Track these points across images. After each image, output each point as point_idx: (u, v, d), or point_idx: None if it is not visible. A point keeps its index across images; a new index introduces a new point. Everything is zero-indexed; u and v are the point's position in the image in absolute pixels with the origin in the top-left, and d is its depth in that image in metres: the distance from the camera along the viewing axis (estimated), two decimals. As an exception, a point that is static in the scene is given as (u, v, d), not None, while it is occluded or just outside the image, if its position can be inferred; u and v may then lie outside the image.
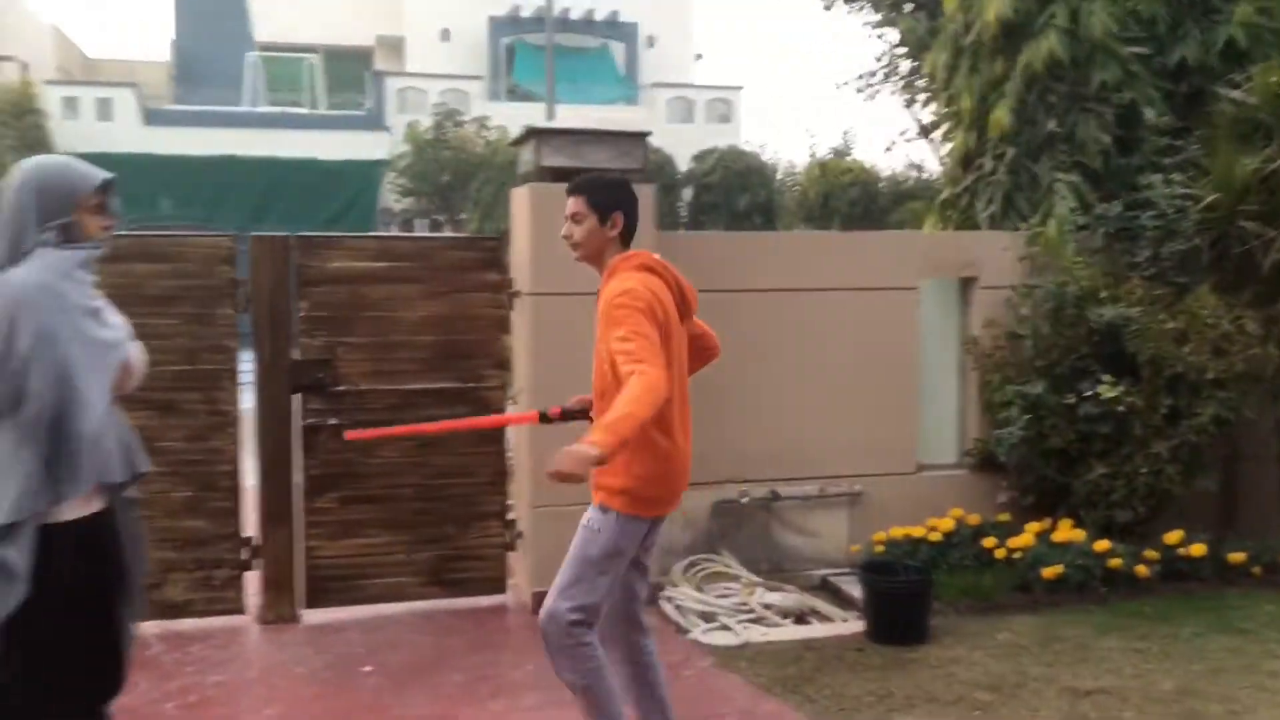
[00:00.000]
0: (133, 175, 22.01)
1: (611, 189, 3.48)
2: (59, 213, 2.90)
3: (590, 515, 3.35)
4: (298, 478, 5.39)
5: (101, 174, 3.02)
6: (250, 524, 5.35)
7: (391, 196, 22.82)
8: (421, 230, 22.11)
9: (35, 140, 21.11)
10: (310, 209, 21.26)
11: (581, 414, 3.63)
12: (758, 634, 5.09)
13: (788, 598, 5.44)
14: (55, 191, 2.92)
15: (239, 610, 5.32)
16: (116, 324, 3.08)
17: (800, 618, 5.35)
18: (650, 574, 3.66)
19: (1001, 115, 6.97)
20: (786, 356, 5.99)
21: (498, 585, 5.62)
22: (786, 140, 69.48)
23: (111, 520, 2.94)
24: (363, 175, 22.92)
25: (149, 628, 5.14)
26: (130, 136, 22.59)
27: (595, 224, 3.42)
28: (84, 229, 2.97)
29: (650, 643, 3.57)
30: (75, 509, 2.83)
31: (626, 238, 3.46)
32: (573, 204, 3.46)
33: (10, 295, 2.78)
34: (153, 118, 23.97)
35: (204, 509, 5.25)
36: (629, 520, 3.31)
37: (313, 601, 5.41)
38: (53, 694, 2.82)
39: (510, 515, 5.62)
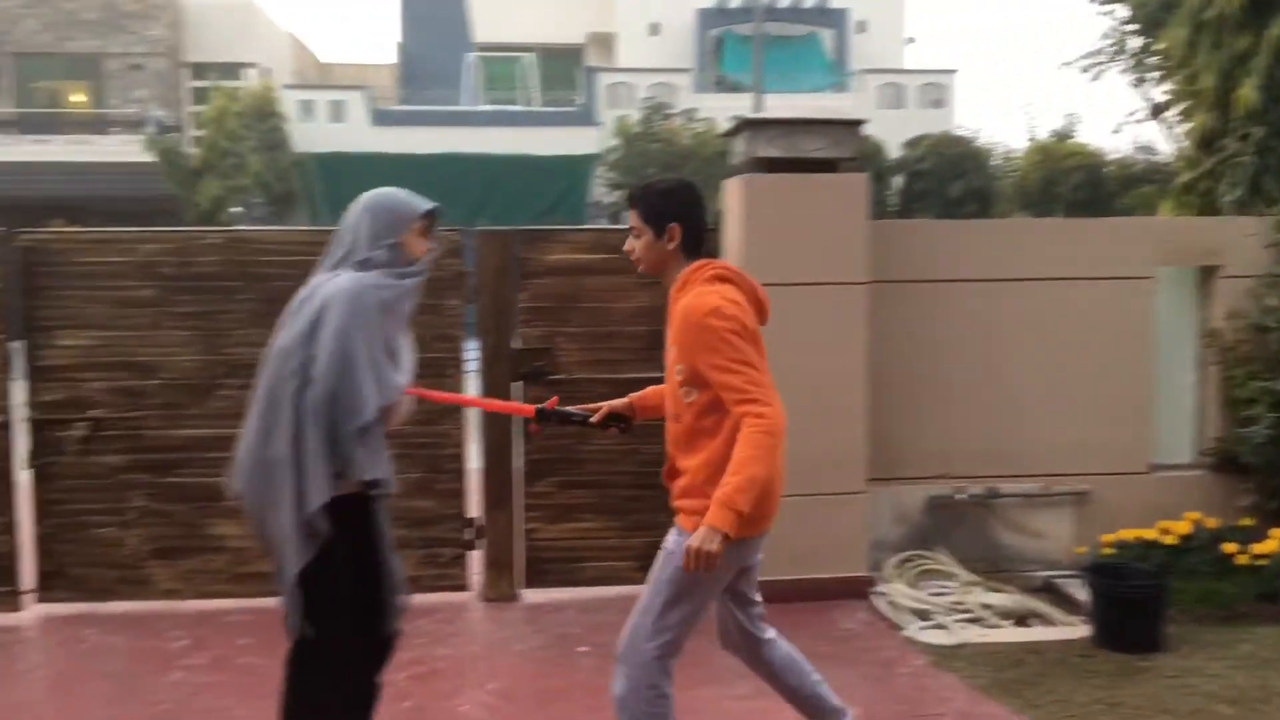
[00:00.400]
0: (361, 173, 23.24)
1: (665, 197, 3.24)
2: (388, 233, 3.26)
3: (673, 538, 3.20)
4: (518, 463, 5.59)
5: (427, 204, 3.36)
6: (474, 506, 5.58)
7: (601, 190, 23.27)
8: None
9: (275, 141, 22.63)
10: (524, 203, 21.95)
11: (581, 421, 3.57)
12: (975, 634, 4.95)
13: (1008, 598, 5.27)
14: (387, 215, 3.29)
15: (463, 587, 5.57)
16: (405, 365, 3.37)
17: (1021, 620, 5.16)
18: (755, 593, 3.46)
19: (1248, 93, 6.52)
20: (1005, 348, 5.78)
21: (709, 573, 5.67)
22: (1003, 125, 67.03)
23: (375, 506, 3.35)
24: (574, 170, 23.47)
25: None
26: (360, 136, 23.86)
27: (651, 238, 3.21)
28: (409, 249, 3.31)
29: (775, 650, 3.45)
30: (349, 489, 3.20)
31: (691, 246, 3.20)
32: (630, 217, 3.29)
33: (329, 292, 3.18)
34: (380, 118, 25.24)
35: (432, 490, 5.52)
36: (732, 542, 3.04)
37: (531, 581, 5.61)
38: (337, 638, 3.22)
39: (721, 505, 5.66)
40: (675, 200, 3.23)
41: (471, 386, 5.55)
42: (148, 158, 22.07)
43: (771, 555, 5.32)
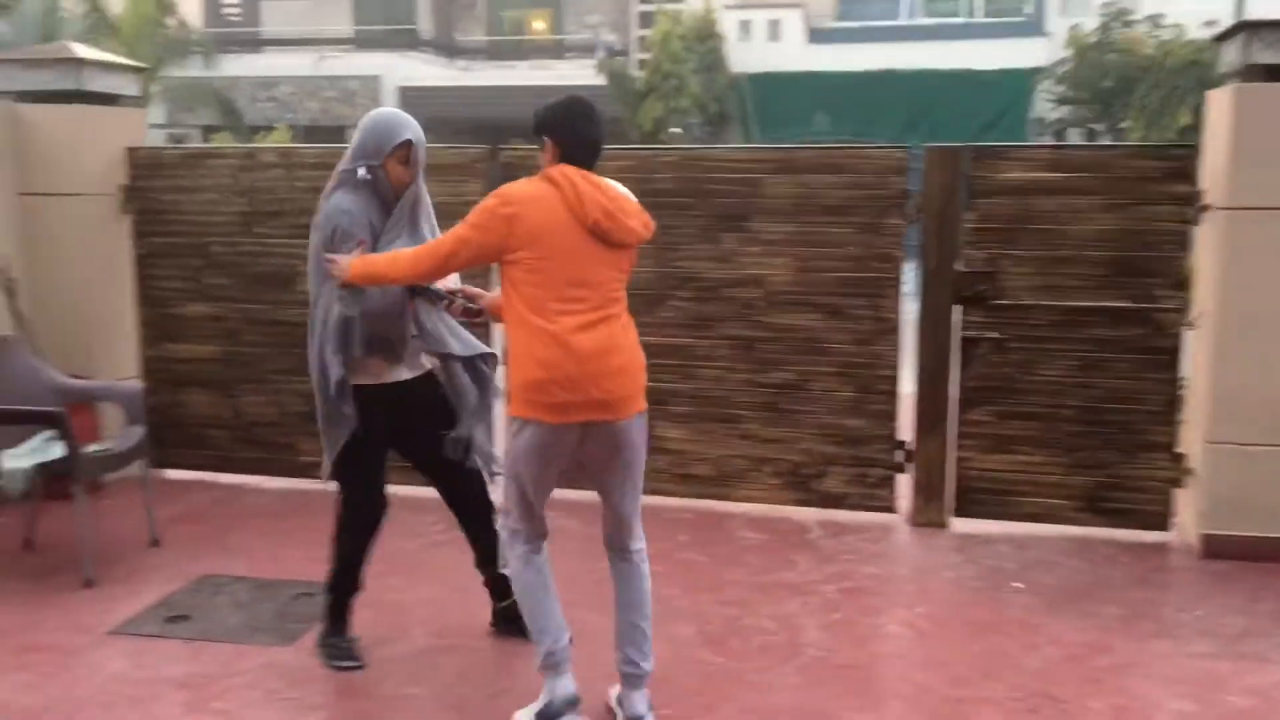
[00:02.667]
0: (793, 93, 23.46)
1: (541, 114, 3.43)
2: (372, 155, 3.74)
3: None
4: (953, 389, 5.44)
5: (407, 133, 3.74)
6: (905, 429, 5.52)
7: (1046, 106, 21.80)
8: (1076, 140, 20.91)
9: (712, 63, 23.23)
10: (960, 121, 21.02)
11: (435, 297, 3.75)
12: None
13: None
14: (373, 138, 3.76)
15: (890, 509, 5.56)
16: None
17: None
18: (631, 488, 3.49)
19: None
20: None
21: (1160, 521, 5.25)
22: None
23: (413, 388, 3.85)
24: (1015, 85, 22.12)
25: (809, 514, 5.59)
26: (795, 55, 23.92)
27: (541, 151, 3.42)
28: (391, 175, 3.76)
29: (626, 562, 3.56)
30: (374, 377, 3.78)
31: (570, 159, 3.35)
32: None
33: (328, 211, 3.75)
34: (815, 36, 25.13)
35: (864, 410, 5.52)
36: (523, 424, 3.31)
37: (961, 511, 5.48)
38: (368, 499, 3.95)
39: (1179, 449, 5.20)
40: (550, 116, 3.40)
41: (908, 308, 5.45)
42: (599, 81, 23.47)
43: (1247, 512, 4.88)
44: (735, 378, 5.67)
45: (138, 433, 5.08)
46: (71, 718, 3.51)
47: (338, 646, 3.96)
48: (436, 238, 3.67)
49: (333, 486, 3.99)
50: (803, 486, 5.65)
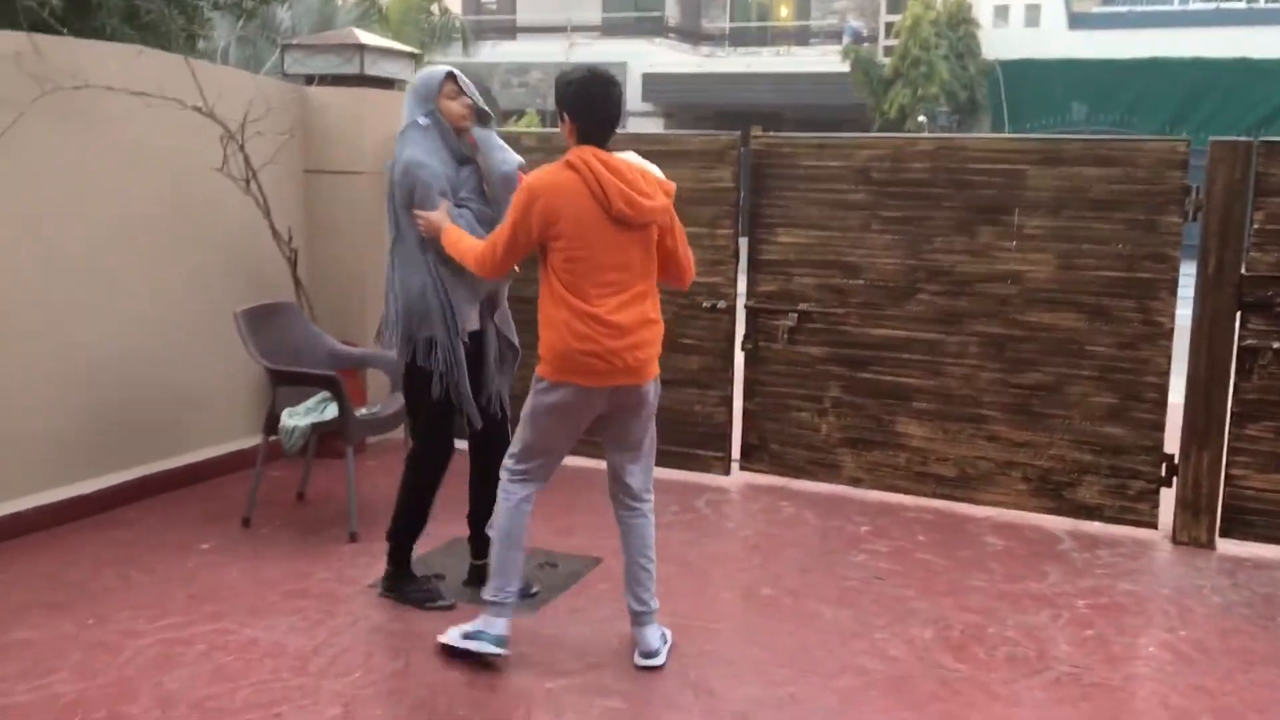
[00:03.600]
0: (1049, 81, 22.33)
1: (560, 89, 3.55)
2: (425, 101, 4.02)
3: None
4: (1228, 401, 5.06)
5: (446, 68, 4.09)
6: (1172, 441, 5.19)
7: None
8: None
9: (963, 49, 22.45)
10: (1234, 114, 19.53)
11: None
12: None
13: None
14: (421, 88, 4.05)
15: (1150, 525, 5.24)
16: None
17: None
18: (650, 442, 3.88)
19: None
20: None
21: None
22: None
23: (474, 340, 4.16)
24: (1300, 75, 20.33)
25: (1059, 523, 5.34)
26: (1054, 41, 22.79)
27: (560, 122, 3.58)
28: (447, 113, 4.02)
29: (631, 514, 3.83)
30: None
31: (587, 136, 3.51)
32: None
33: (406, 165, 3.98)
34: (1076, 21, 23.87)
35: (1126, 418, 5.22)
36: (554, 385, 3.62)
37: (1229, 531, 5.11)
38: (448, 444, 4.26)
39: None
40: (567, 90, 3.53)
41: (1184, 311, 5.10)
42: (842, 68, 23.10)
43: None
44: (985, 376, 5.47)
45: (400, 399, 5.38)
46: (336, 661, 3.76)
47: (423, 590, 4.27)
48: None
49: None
50: (1054, 494, 5.40)
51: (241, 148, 5.70)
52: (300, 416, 5.08)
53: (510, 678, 3.68)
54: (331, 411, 5.09)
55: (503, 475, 3.83)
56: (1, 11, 7.63)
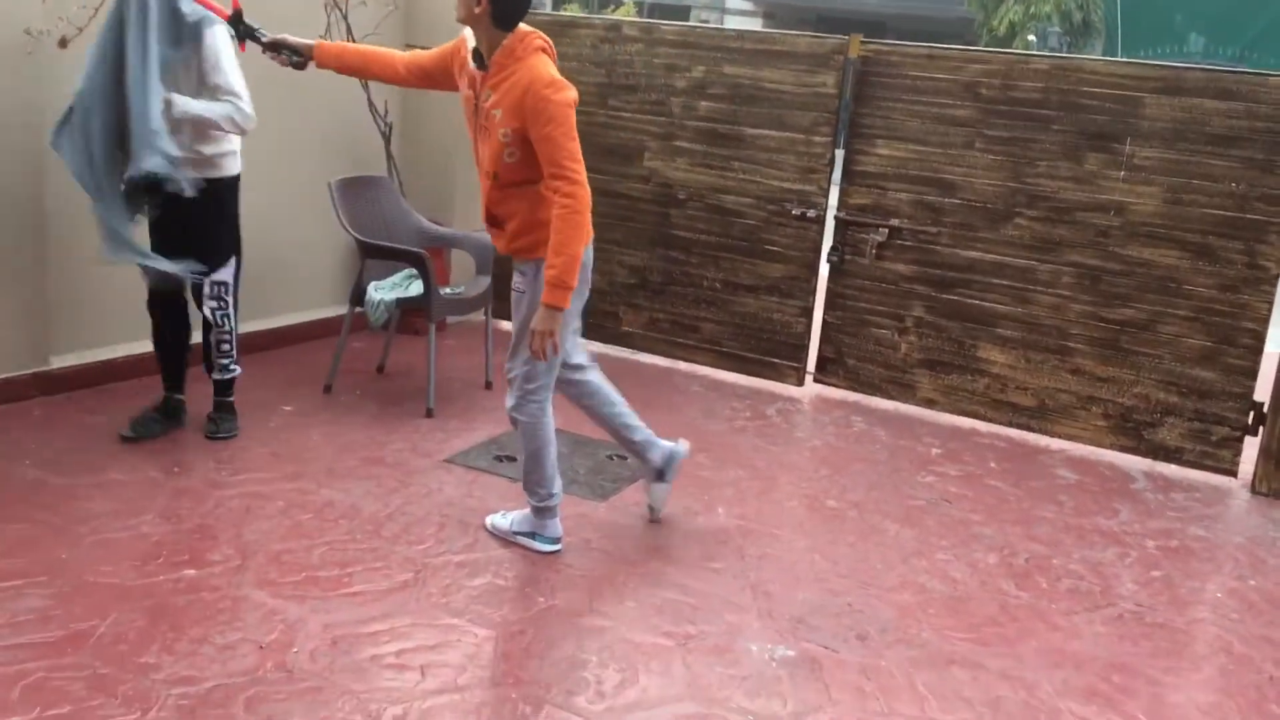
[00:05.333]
0: (1169, 6, 21.31)
1: None
2: None
3: (516, 279, 3.62)
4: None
5: None
6: (1262, 390, 5.06)
7: None
8: None
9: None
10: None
11: (251, 35, 3.96)
12: None
13: None
14: None
15: (1230, 472, 5.15)
16: None
17: None
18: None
19: None
20: None
21: None
22: None
23: None
24: None
25: (1135, 463, 5.27)
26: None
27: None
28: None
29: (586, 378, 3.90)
30: None
31: (501, 17, 3.34)
32: None
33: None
34: (1206, -54, 22.66)
35: (1217, 362, 5.09)
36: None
37: (1311, 486, 5.01)
38: None
39: None
40: None
41: (1291, 258, 4.92)
42: (953, -21, 22.30)
43: None
44: (1075, 308, 5.36)
45: (484, 282, 5.43)
46: (409, 529, 3.87)
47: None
48: (552, 151, 3.35)
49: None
50: (1132, 433, 5.31)
51: (345, 16, 5.69)
52: (386, 291, 5.15)
53: (575, 561, 3.76)
54: (416, 288, 5.15)
55: (527, 385, 3.62)
56: None
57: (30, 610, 3.09)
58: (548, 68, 3.38)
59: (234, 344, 4.53)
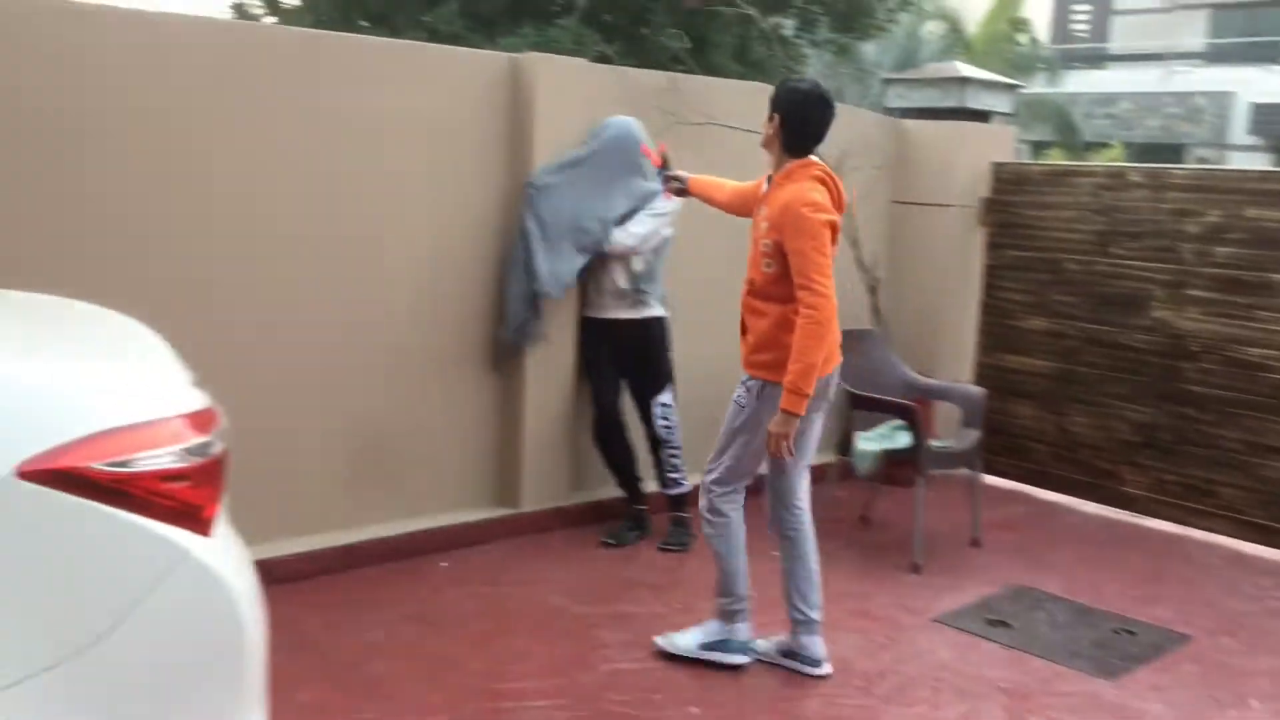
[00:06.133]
0: None
1: (779, 91, 3.69)
2: None
3: (740, 391, 3.75)
4: None
5: None
6: None
7: None
8: None
9: None
10: None
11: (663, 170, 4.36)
12: None
13: None
14: None
15: None
16: None
17: None
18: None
19: None
20: None
21: None
22: None
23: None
24: None
25: None
26: None
27: (768, 121, 3.65)
28: None
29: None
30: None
31: (790, 142, 3.61)
32: None
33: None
34: None
35: None
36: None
37: None
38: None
39: None
40: (784, 96, 3.65)
41: None
42: None
43: None
44: None
45: (973, 435, 5.29)
46: (902, 690, 3.77)
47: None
48: (802, 264, 3.53)
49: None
50: None
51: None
52: (874, 441, 5.18)
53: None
54: (903, 439, 5.12)
55: (716, 489, 3.82)
56: (634, 50, 8.63)
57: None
58: (813, 191, 3.57)
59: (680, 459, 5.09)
